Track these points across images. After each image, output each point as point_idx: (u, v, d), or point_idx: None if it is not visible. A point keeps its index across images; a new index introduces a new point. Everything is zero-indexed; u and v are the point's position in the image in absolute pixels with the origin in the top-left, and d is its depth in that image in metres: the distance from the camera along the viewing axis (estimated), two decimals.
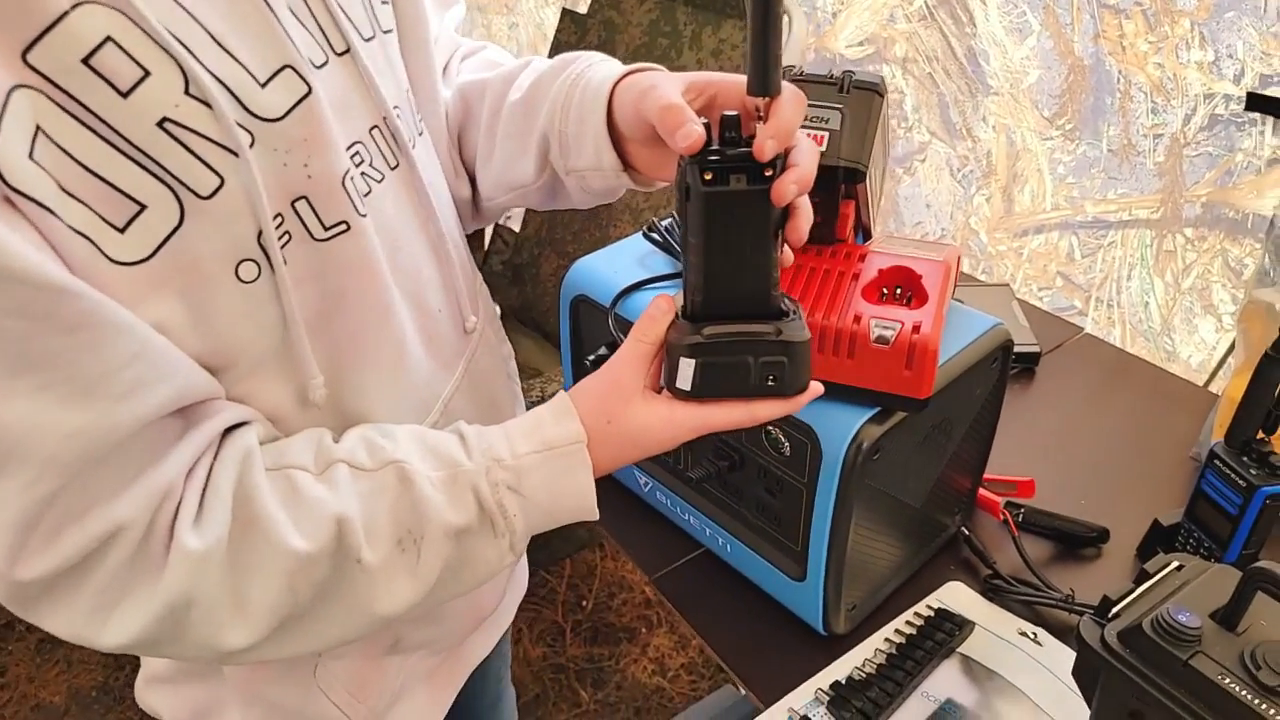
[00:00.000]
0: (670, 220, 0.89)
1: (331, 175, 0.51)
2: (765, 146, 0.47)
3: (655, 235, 0.88)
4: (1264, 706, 0.53)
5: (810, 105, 0.65)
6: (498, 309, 1.98)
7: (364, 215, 0.53)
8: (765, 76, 0.49)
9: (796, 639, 0.81)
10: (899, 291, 0.69)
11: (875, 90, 0.65)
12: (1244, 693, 0.54)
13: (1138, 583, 0.64)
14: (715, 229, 0.51)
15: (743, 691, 0.79)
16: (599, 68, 0.62)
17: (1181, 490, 0.93)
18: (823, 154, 0.64)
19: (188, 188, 0.45)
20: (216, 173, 0.45)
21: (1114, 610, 0.62)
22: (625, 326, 0.82)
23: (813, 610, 0.79)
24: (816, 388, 0.55)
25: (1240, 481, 0.74)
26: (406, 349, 0.58)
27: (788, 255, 0.54)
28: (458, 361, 0.66)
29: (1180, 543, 0.82)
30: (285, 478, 0.49)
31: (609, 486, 0.99)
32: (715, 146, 0.50)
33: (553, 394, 1.09)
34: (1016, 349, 1.11)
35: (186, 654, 0.49)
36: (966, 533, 0.89)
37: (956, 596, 0.84)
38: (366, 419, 0.56)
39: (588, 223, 1.73)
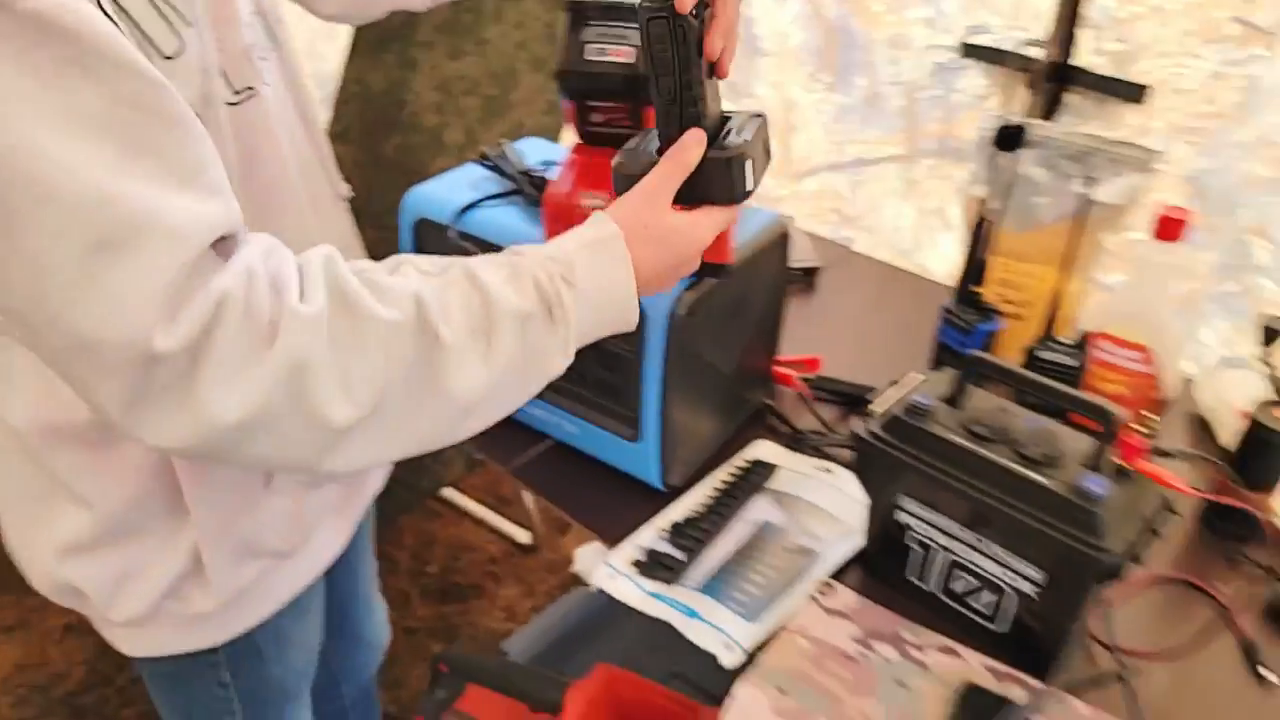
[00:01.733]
0: (501, 149, 1.00)
1: (241, 47, 0.60)
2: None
3: (487, 161, 0.99)
4: (978, 449, 0.72)
5: (615, 25, 0.79)
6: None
7: (267, 84, 0.63)
8: None
9: (640, 496, 0.94)
10: None
11: None
12: (965, 442, 0.73)
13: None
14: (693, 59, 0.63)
15: (598, 550, 0.92)
16: None
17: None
18: (629, 65, 0.78)
19: (155, 47, 0.52)
20: (179, 36, 0.53)
21: (874, 410, 0.80)
22: (470, 239, 0.93)
23: (651, 468, 0.93)
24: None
25: (964, 325, 0.95)
26: (303, 208, 0.67)
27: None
28: (340, 226, 0.76)
29: None
30: (361, 271, 0.53)
31: None
32: None
33: None
34: (799, 263, 1.32)
35: (294, 436, 0.50)
36: (770, 403, 1.06)
37: (765, 451, 1.01)
38: None
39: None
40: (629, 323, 0.62)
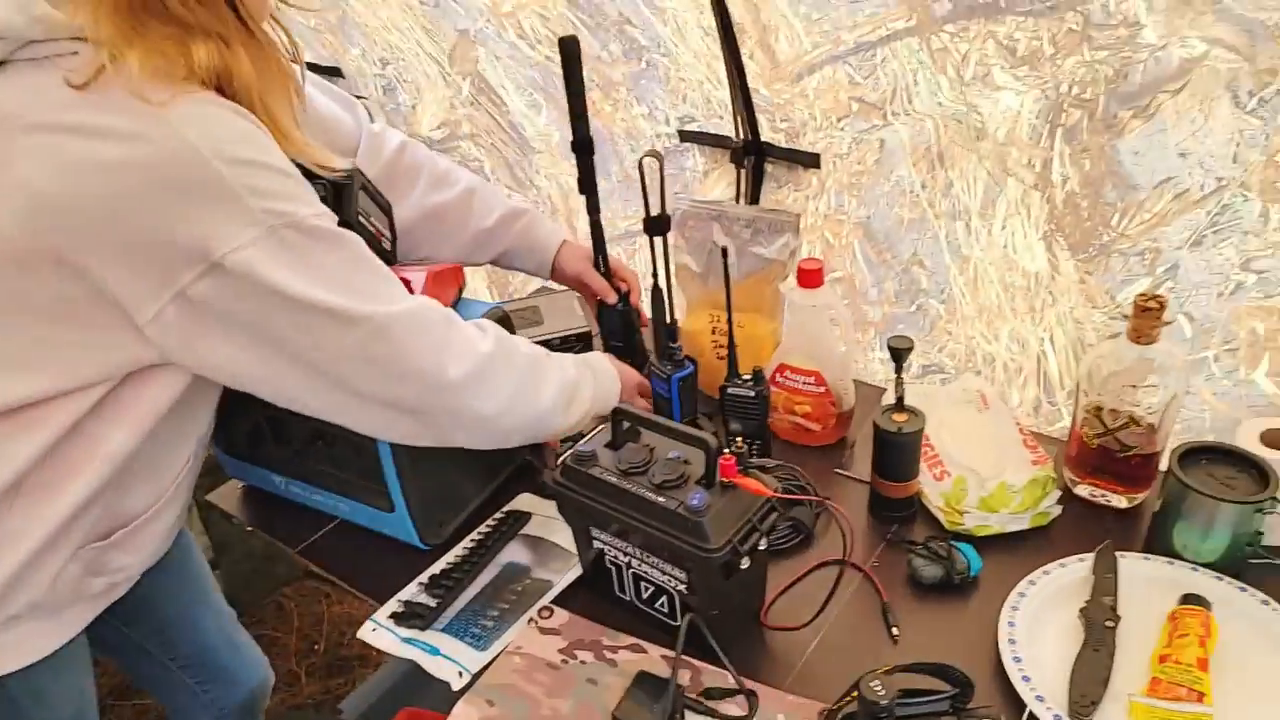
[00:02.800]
0: None
1: None
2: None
3: None
4: (621, 483, 0.90)
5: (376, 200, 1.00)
6: None
7: None
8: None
9: (406, 558, 1.11)
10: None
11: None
12: (612, 479, 0.91)
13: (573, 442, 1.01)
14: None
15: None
16: None
17: None
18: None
19: None
20: None
21: (559, 460, 0.98)
22: None
23: (408, 531, 1.09)
24: None
25: (662, 375, 1.14)
26: None
27: None
28: None
29: None
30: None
31: (257, 495, 1.24)
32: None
33: None
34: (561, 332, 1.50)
35: (501, 379, 0.91)
36: (530, 459, 1.24)
37: (525, 502, 1.18)
38: None
39: None
40: (611, 407, 1.01)
